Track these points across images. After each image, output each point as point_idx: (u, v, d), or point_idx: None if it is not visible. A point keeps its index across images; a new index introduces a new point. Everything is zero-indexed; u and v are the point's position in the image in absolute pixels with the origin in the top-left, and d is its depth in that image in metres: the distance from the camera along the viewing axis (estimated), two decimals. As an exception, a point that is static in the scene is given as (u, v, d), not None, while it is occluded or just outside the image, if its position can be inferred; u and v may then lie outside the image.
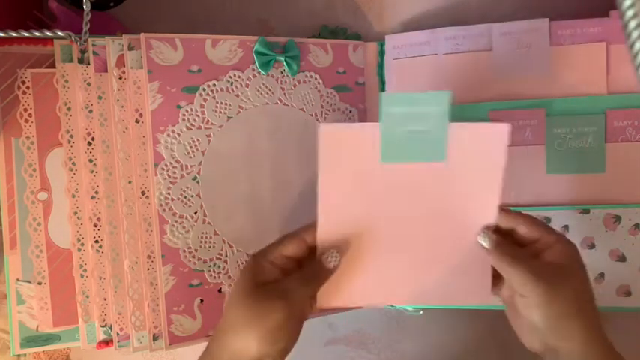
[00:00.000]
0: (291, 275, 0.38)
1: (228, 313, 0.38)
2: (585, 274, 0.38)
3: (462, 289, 0.41)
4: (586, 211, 0.50)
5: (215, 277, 0.48)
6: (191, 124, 0.46)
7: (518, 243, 0.39)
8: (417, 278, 0.41)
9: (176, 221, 0.46)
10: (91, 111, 0.46)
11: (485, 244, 0.38)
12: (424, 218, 0.40)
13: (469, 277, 0.41)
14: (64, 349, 0.55)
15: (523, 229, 0.39)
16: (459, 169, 0.38)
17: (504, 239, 0.39)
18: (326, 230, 0.39)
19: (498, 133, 0.38)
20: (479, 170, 0.39)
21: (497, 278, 0.41)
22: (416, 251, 0.41)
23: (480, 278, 0.40)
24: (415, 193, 0.39)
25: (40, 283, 0.47)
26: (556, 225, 0.50)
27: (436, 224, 0.40)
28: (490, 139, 0.38)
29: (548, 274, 0.36)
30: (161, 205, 0.45)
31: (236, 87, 0.48)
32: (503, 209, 0.39)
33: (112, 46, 0.45)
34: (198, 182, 0.47)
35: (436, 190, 0.39)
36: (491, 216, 0.39)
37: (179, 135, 0.46)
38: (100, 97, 0.46)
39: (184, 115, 0.46)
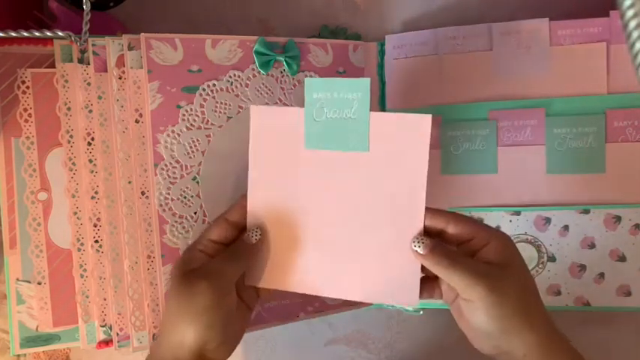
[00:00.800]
0: (216, 257, 0.38)
1: (164, 311, 0.37)
2: (525, 268, 0.37)
3: (388, 289, 0.39)
4: (586, 211, 0.50)
5: (215, 277, 0.48)
6: (191, 124, 0.46)
7: (451, 243, 0.38)
8: (342, 271, 0.40)
9: (176, 221, 0.46)
10: (90, 111, 0.46)
11: (420, 250, 0.36)
12: (350, 210, 0.39)
13: (396, 277, 0.39)
14: (64, 350, 0.55)
15: (453, 229, 0.37)
16: (384, 162, 0.38)
17: (439, 242, 0.37)
18: (255, 211, 0.40)
19: (421, 123, 0.37)
20: (404, 163, 0.37)
21: (433, 280, 0.39)
22: (341, 243, 0.39)
23: (407, 279, 0.38)
24: (341, 183, 0.39)
25: (39, 283, 0.47)
26: (556, 225, 0.50)
27: (362, 218, 0.39)
28: (413, 129, 0.37)
29: (488, 274, 0.35)
30: (161, 205, 0.45)
31: (236, 87, 0.48)
32: (430, 209, 0.38)
33: (112, 46, 0.45)
34: (198, 182, 0.47)
35: (361, 182, 0.38)
36: (418, 214, 0.38)
37: (179, 135, 0.46)
38: (99, 97, 0.46)
39: (184, 115, 0.46)
